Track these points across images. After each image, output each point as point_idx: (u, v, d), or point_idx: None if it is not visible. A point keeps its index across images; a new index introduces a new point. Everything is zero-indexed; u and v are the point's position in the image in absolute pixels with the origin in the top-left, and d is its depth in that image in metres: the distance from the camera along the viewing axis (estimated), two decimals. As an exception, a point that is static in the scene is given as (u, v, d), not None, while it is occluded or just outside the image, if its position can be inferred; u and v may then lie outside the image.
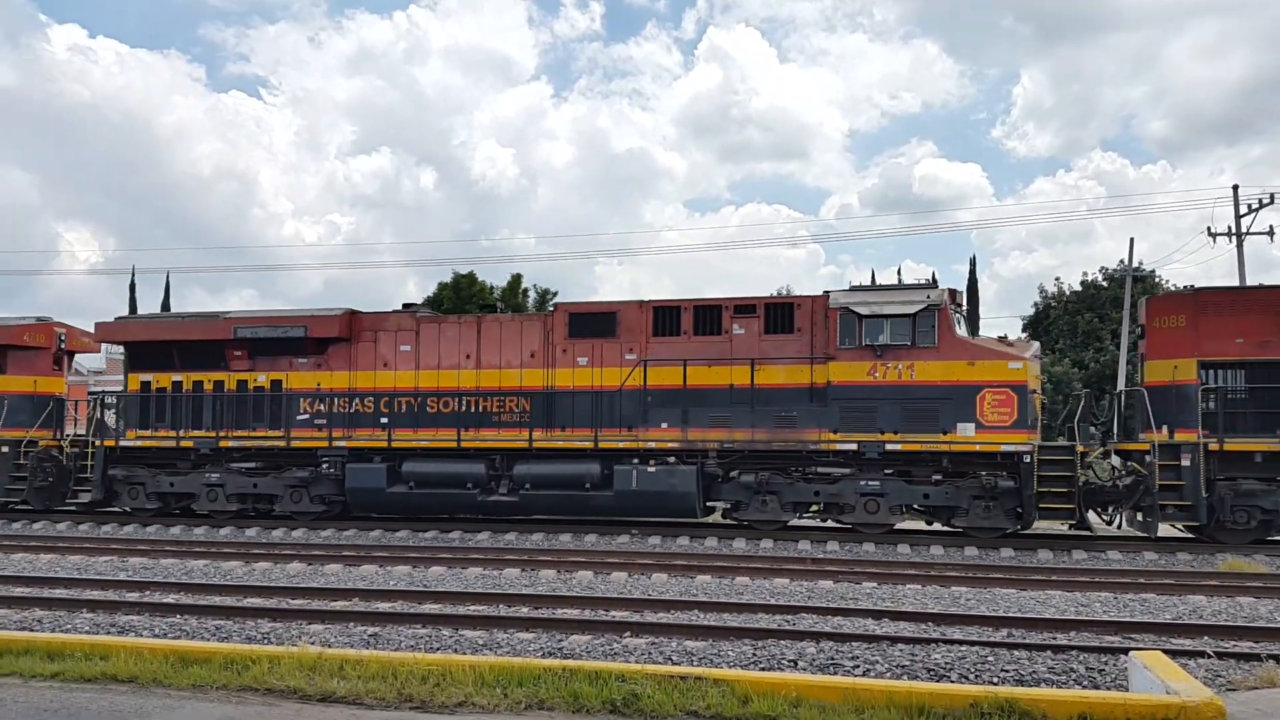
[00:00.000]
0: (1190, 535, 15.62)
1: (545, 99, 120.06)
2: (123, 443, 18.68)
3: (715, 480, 16.22)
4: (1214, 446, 14.34)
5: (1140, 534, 15.27)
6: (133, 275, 48.02)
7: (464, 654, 7.92)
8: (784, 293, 14.96)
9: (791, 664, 7.71)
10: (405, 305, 18.73)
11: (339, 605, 10.33)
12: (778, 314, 16.24)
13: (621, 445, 16.39)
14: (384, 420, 17.68)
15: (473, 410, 17.38)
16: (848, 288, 16.34)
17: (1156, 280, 40.82)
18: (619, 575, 12.44)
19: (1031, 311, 45.15)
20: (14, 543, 15.63)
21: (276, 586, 11.42)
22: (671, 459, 16.25)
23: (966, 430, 15.02)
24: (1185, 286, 14.84)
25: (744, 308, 16.36)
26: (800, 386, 15.83)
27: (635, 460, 16.35)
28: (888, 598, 10.87)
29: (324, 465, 17.79)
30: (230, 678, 7.14)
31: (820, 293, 16.21)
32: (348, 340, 18.16)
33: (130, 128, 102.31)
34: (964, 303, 16.76)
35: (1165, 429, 14.60)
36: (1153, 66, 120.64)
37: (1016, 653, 8.02)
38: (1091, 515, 15.67)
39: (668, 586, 11.77)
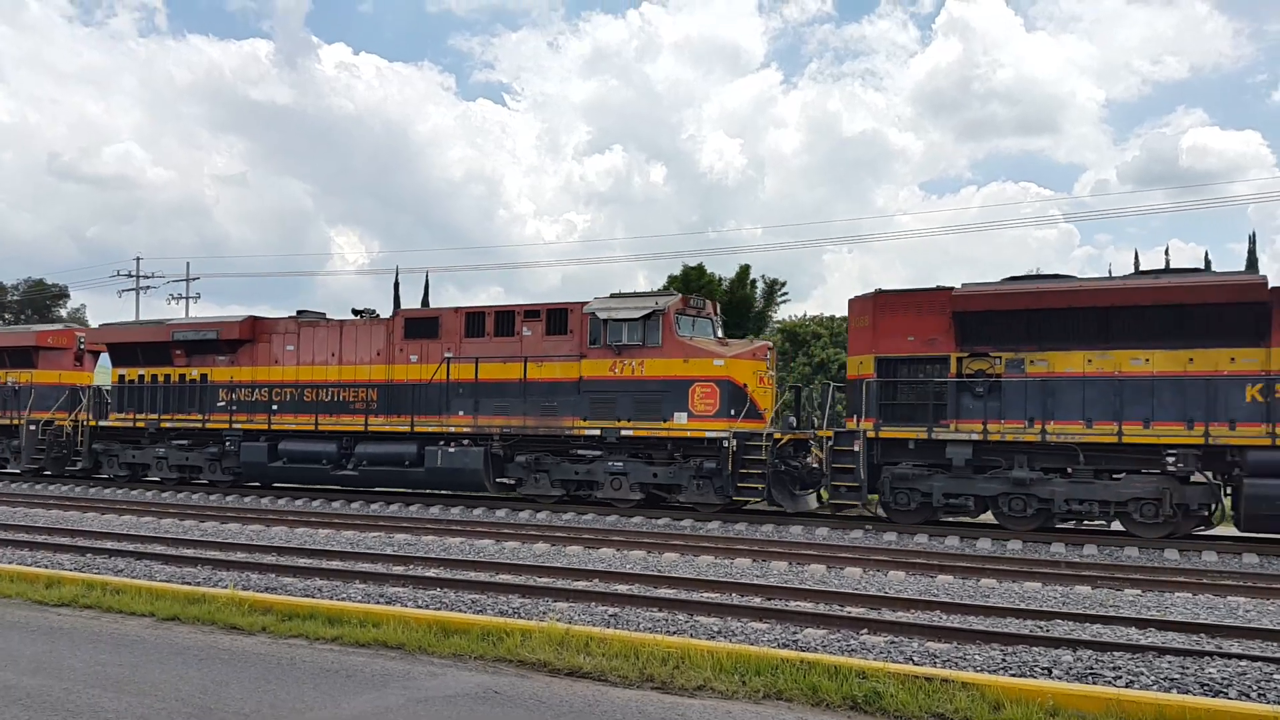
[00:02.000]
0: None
1: (774, 86, 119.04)
2: (102, 423, 23.71)
3: (501, 460, 19.10)
4: (872, 434, 16.12)
5: (823, 513, 17.47)
6: (396, 275, 52.34)
7: (700, 639, 8.04)
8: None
9: (1045, 671, 7.27)
10: (299, 311, 22.28)
11: (581, 585, 10.76)
12: (556, 318, 18.87)
13: (431, 429, 19.44)
14: (274, 407, 21.44)
15: (335, 399, 20.86)
16: (609, 295, 19.24)
17: None
18: (853, 570, 12.20)
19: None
20: (297, 518, 17.40)
21: (525, 565, 12.06)
22: (465, 441, 19.20)
23: (680, 418, 17.57)
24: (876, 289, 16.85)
25: (532, 313, 19.14)
26: (569, 380, 18.51)
27: (441, 442, 19.35)
28: (1152, 606, 10.02)
29: (227, 443, 21.85)
30: (487, 648, 7.62)
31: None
32: (251, 341, 22.10)
33: (390, 137, 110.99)
34: (705, 306, 19.03)
35: (855, 418, 16.45)
36: None
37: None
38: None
39: (906, 585, 11.42)
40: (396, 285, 50.72)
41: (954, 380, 15.81)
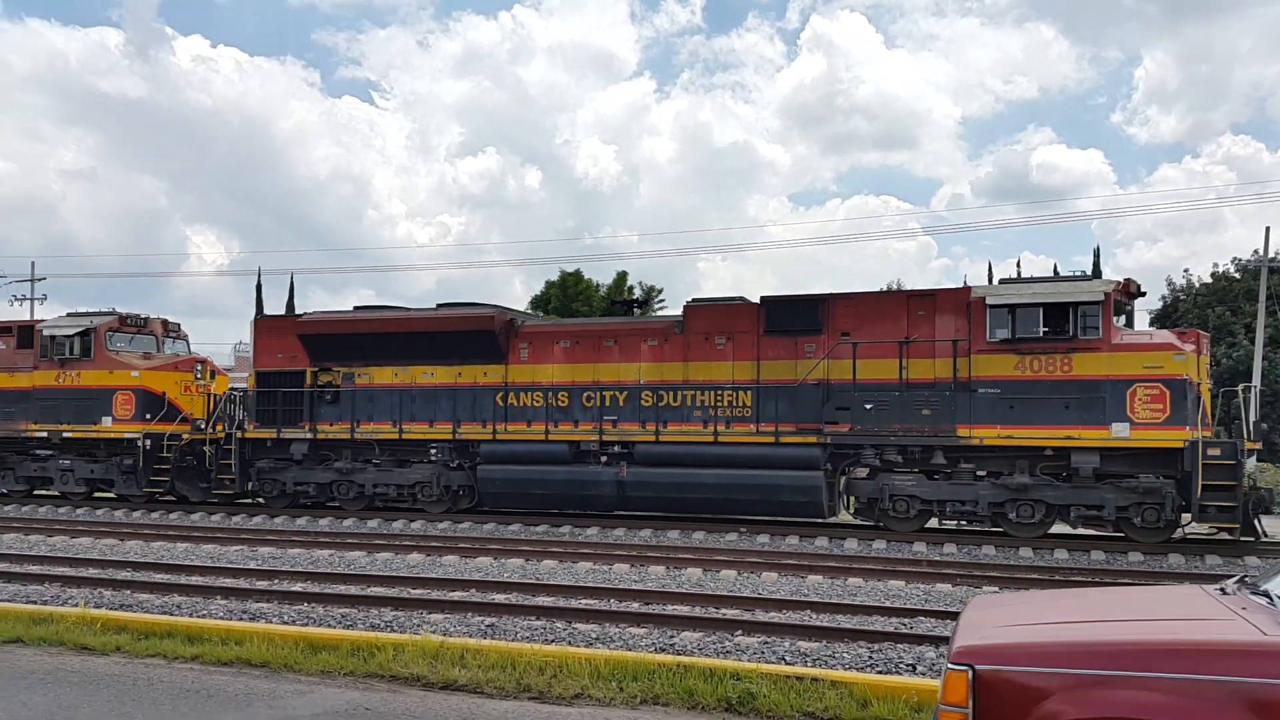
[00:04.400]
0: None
1: (648, 94, 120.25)
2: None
3: None
4: (244, 436, 19.76)
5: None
6: (259, 276, 50.38)
7: (578, 647, 8.02)
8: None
9: (910, 668, 7.55)
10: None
11: (457, 595, 10.60)
12: (24, 334, 21.48)
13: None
14: None
15: None
16: (64, 314, 22.06)
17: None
18: (728, 573, 12.40)
19: (1159, 305, 43.14)
20: (154, 531, 16.54)
21: (398, 576, 11.79)
22: None
23: (106, 422, 20.80)
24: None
25: (5, 329, 22.02)
26: (25, 389, 21.47)
27: None
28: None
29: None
30: (357, 664, 7.41)
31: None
32: None
33: (250, 133, 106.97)
34: (148, 324, 21.70)
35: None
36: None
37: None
38: None
39: (778, 586, 11.68)
40: (259, 287, 49.02)
41: (307, 389, 19.42)
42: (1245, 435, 14.63)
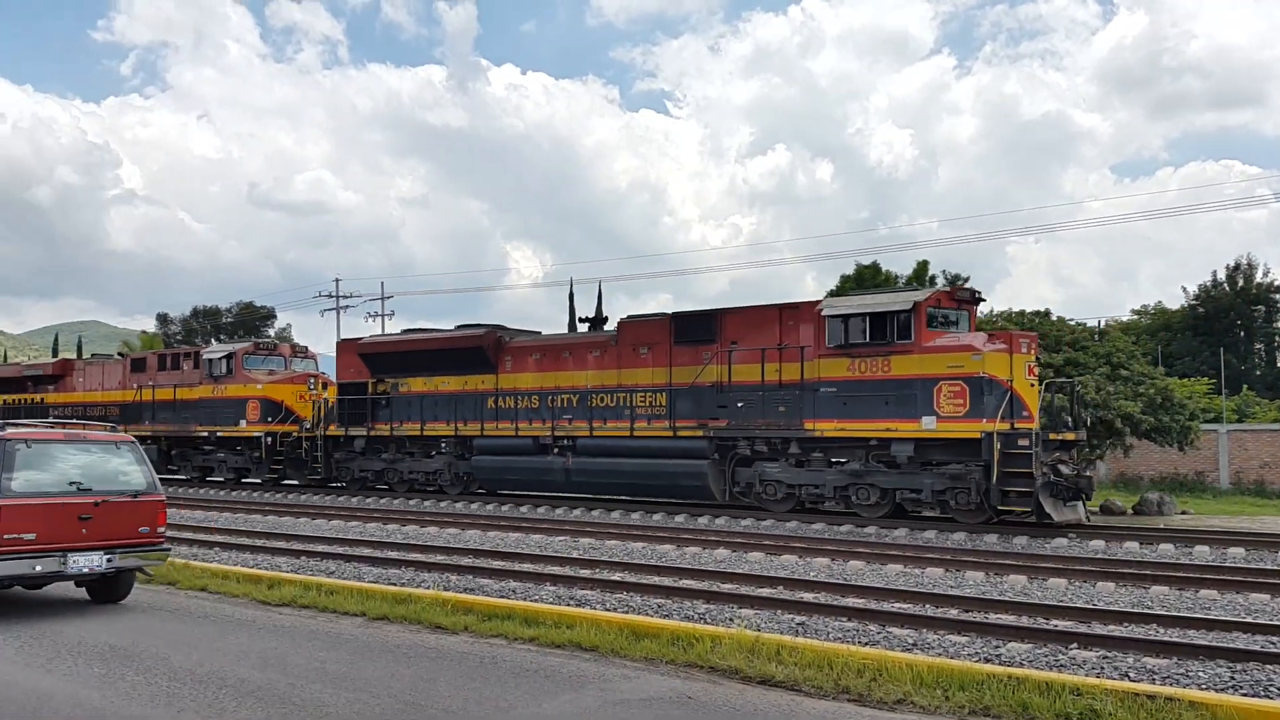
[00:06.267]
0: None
1: (946, 72, 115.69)
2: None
3: (167, 454, 29.35)
4: (330, 434, 25.09)
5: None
6: (570, 286, 53.11)
7: (894, 651, 7.79)
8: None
9: (1284, 693, 6.63)
10: (121, 353, 30.67)
11: (765, 592, 10.67)
12: (189, 358, 29.36)
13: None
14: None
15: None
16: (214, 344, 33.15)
17: None
18: (1057, 581, 11.55)
19: None
20: (489, 522, 18.12)
21: (706, 570, 12.08)
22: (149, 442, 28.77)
23: (242, 424, 26.97)
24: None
25: (188, 355, 29.72)
26: (204, 399, 28.49)
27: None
28: None
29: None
30: (677, 653, 7.66)
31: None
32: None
33: (559, 152, 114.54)
34: (277, 348, 28.61)
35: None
36: None
37: None
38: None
39: (1116, 596, 10.71)
40: (571, 296, 52.00)
41: (368, 397, 24.56)
42: (1060, 427, 16.38)
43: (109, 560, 9.61)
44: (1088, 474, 16.42)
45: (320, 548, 14.61)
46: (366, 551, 14.21)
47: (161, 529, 10.19)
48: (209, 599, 10.65)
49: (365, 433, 24.41)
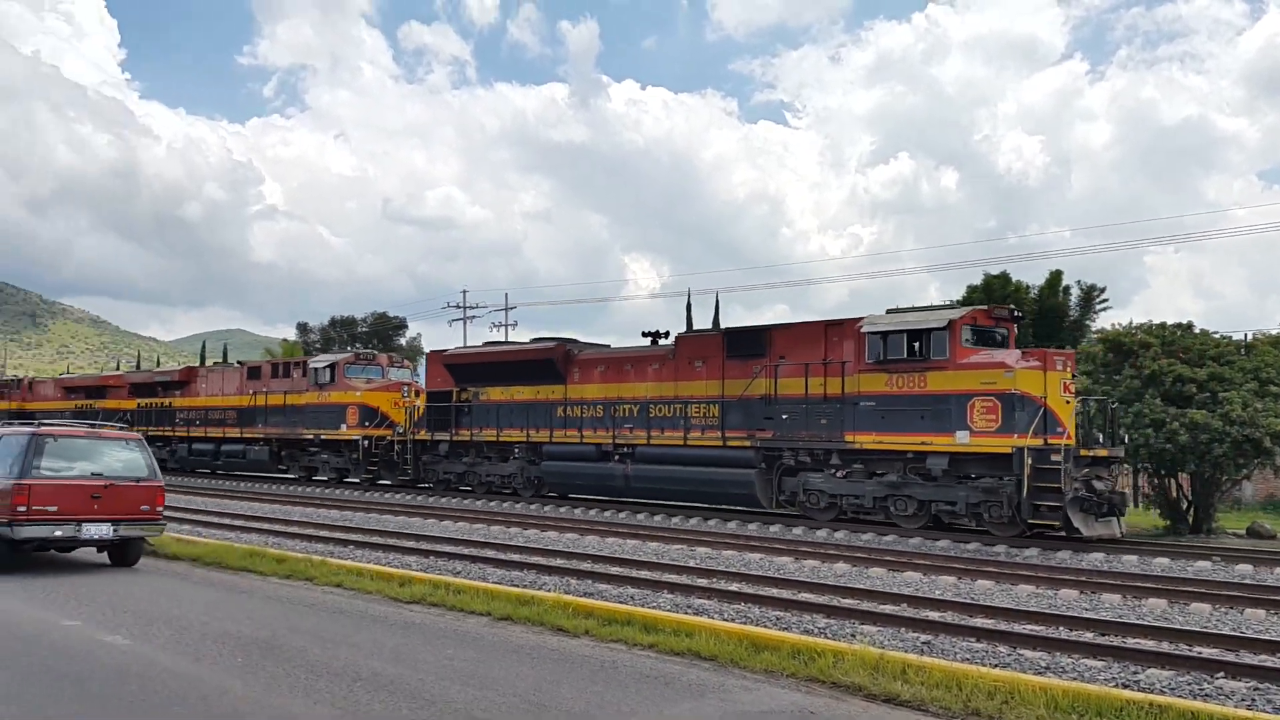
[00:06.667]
0: None
1: (1079, 77, 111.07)
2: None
3: (277, 454, 32.16)
4: (418, 439, 26.89)
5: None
6: (688, 297, 53.44)
7: (1026, 674, 7.52)
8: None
9: None
10: (239, 361, 31.83)
11: (888, 609, 10.46)
12: (295, 366, 32.45)
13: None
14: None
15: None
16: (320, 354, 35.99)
17: None
18: (1200, 606, 10.94)
19: None
20: (607, 528, 18.30)
21: (826, 584, 11.92)
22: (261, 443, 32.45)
23: (342, 428, 29.73)
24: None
25: (297, 364, 32.18)
26: (297, 405, 31.30)
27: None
28: None
29: None
30: (798, 667, 7.59)
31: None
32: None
33: (677, 166, 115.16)
34: (375, 358, 31.34)
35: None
36: None
37: None
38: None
39: (1269, 624, 10.07)
40: (689, 307, 52.12)
41: (453, 404, 26.13)
42: (1091, 443, 16.70)
43: (115, 530, 12.26)
44: (1121, 490, 16.84)
45: (446, 548, 15.05)
46: (491, 553, 14.56)
47: (160, 508, 12.81)
48: (344, 595, 11.11)
49: (449, 437, 26.09)
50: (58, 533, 11.92)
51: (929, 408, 17.06)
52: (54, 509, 11.78)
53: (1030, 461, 15.77)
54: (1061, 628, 9.65)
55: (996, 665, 7.95)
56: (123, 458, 12.67)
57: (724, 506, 20.91)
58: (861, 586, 11.99)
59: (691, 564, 13.84)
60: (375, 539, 16.24)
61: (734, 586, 11.81)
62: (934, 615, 10.20)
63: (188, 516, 19.48)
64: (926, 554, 15.22)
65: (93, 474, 12.17)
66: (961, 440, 16.64)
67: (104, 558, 13.21)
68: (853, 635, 9.09)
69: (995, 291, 32.25)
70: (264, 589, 11.47)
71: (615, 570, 12.97)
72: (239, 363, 37.94)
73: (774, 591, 11.48)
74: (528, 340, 26.04)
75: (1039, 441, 15.95)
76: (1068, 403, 16.43)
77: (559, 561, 13.71)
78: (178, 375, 37.27)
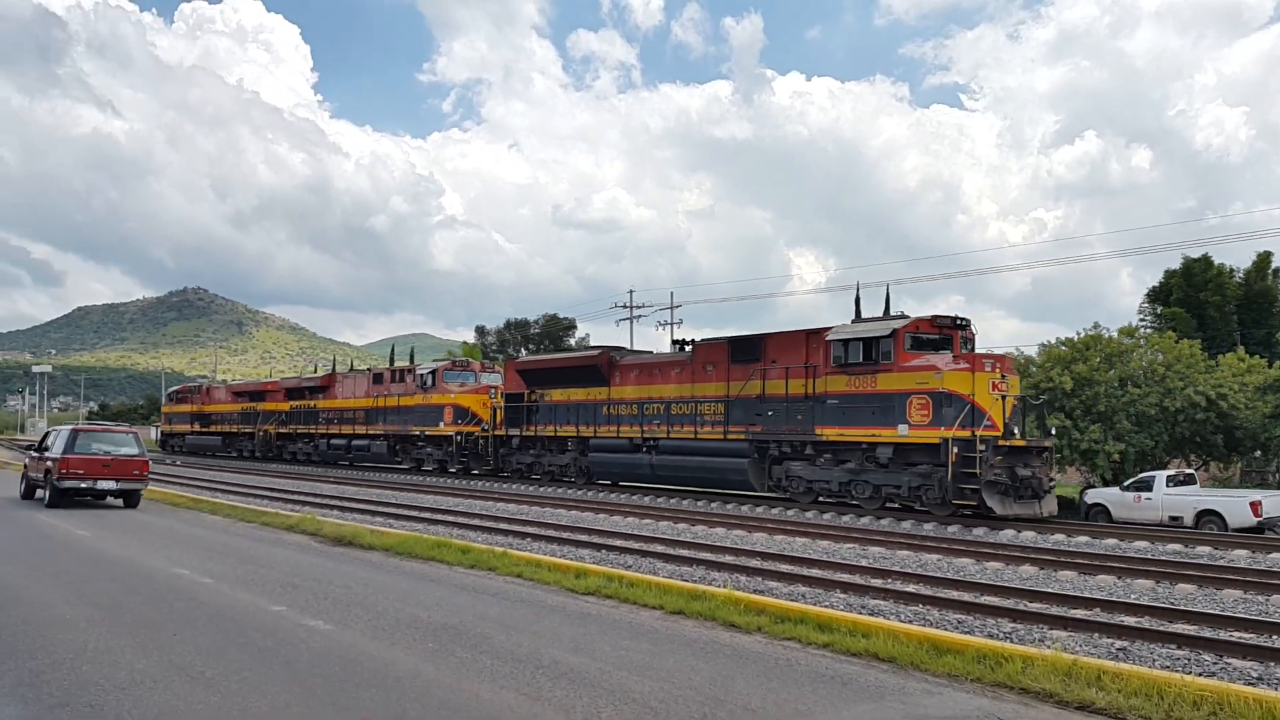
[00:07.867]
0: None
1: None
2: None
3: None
4: (495, 434, 32.51)
5: None
6: (857, 290, 52.65)
7: (1236, 684, 6.98)
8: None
9: None
10: (368, 368, 38.68)
11: (1079, 613, 9.95)
12: (400, 373, 38.73)
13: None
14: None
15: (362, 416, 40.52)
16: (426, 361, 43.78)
17: None
18: None
19: None
20: (775, 526, 18.19)
21: (1011, 588, 11.44)
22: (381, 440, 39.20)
23: (440, 426, 35.12)
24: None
25: (409, 370, 38.23)
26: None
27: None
28: None
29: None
30: (983, 672, 7.32)
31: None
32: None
33: (843, 156, 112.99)
34: (469, 365, 37.41)
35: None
36: None
37: None
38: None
39: None
40: (857, 300, 51.01)
41: (524, 404, 30.63)
42: (1009, 435, 18.94)
43: (117, 484, 20.39)
44: (1049, 476, 19.15)
45: (618, 542, 15.34)
46: (660, 548, 14.75)
47: (146, 474, 20.87)
48: (524, 585, 11.52)
49: (520, 433, 30.98)
50: (82, 485, 19.99)
51: (878, 405, 19.85)
52: (81, 471, 19.95)
53: (956, 450, 18.35)
54: (1275, 637, 8.91)
55: (1201, 674, 7.42)
56: (123, 444, 20.96)
57: (724, 491, 24.45)
58: (1049, 590, 11.45)
59: (864, 563, 13.57)
60: (550, 532, 16.75)
61: (910, 587, 11.51)
62: (1130, 621, 9.65)
63: (375, 509, 20.69)
64: (1120, 556, 14.37)
65: (105, 452, 20.33)
66: (902, 433, 19.37)
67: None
68: (1041, 640, 8.69)
69: (1195, 276, 30.07)
70: (451, 578, 12.03)
71: (785, 568, 12.88)
72: (367, 369, 44.77)
73: (954, 594, 11.12)
74: (578, 347, 30.39)
75: (966, 433, 18.47)
76: (996, 400, 18.90)
77: (728, 558, 13.73)
78: (320, 381, 44.91)
